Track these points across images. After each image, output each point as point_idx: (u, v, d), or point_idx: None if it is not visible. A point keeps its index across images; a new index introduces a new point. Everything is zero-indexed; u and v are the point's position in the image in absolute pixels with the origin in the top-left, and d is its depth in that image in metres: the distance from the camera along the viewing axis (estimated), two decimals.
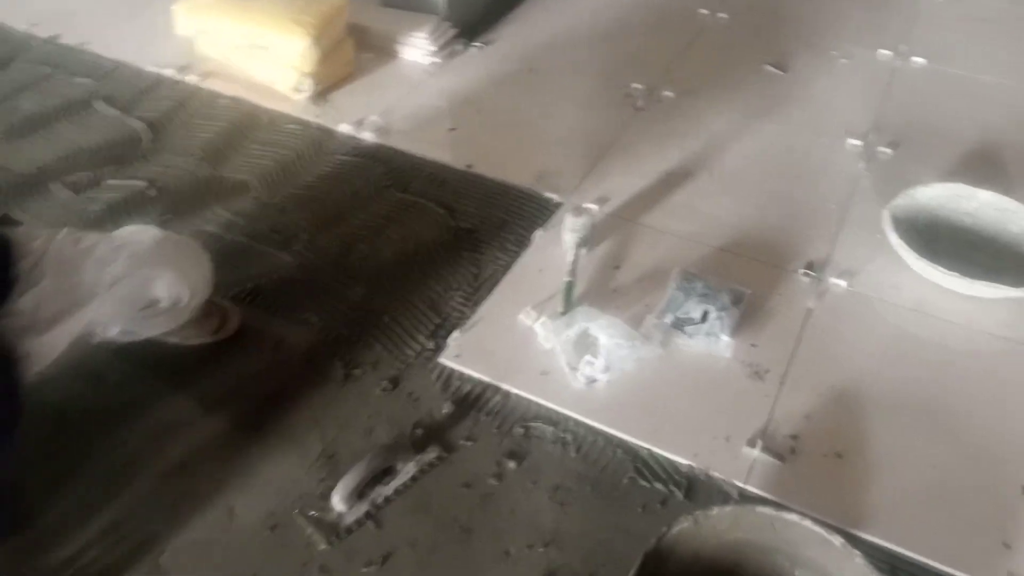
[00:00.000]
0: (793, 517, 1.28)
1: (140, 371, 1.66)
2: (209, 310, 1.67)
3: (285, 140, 2.32)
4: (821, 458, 1.53)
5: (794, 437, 1.56)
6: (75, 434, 1.55)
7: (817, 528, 1.26)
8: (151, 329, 1.55)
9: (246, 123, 2.39)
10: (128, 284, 1.42)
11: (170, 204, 2.10)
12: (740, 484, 1.48)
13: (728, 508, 1.30)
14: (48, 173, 2.19)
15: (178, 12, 2.55)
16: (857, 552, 1.23)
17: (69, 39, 2.75)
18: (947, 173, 2.23)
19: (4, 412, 1.26)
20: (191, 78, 2.56)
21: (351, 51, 2.59)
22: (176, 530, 1.42)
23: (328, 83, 2.51)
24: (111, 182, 2.16)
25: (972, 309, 1.83)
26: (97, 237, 1.43)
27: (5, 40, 2.72)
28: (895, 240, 1.86)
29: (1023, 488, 1.48)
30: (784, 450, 1.53)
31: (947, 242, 1.99)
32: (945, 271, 1.78)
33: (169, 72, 2.58)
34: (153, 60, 2.63)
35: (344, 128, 2.36)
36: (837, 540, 1.24)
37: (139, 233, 1.50)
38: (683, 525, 1.27)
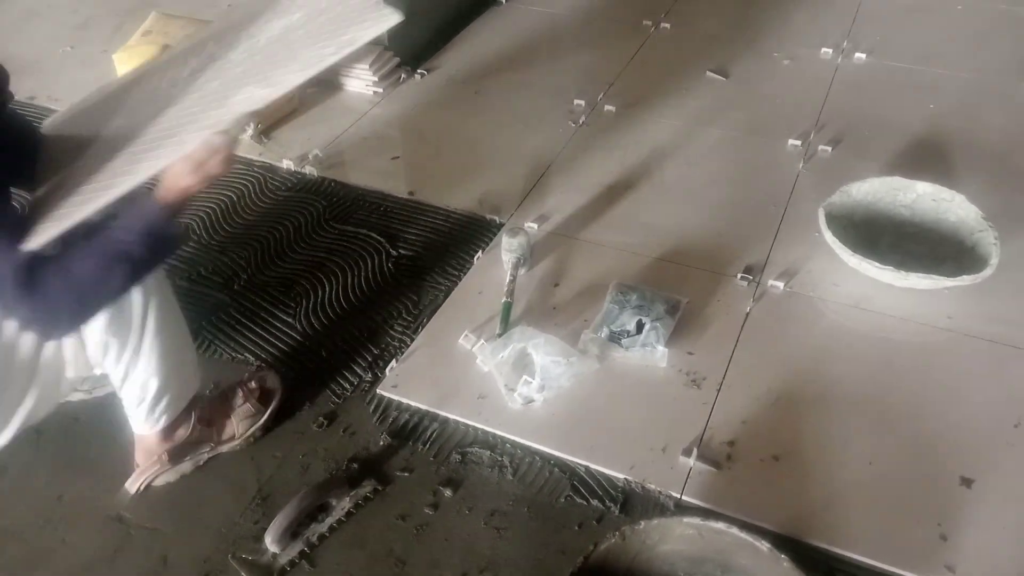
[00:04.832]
0: (720, 525, 1.27)
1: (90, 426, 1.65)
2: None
3: (228, 181, 2.30)
4: (758, 462, 1.52)
5: (731, 443, 1.55)
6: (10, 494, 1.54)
7: (744, 535, 1.25)
8: None
9: None
10: None
11: None
12: (676, 495, 1.47)
13: (655, 521, 1.29)
14: None
15: (118, 60, 2.57)
16: (784, 556, 1.22)
17: (19, 95, 2.75)
18: (888, 166, 2.24)
19: None
20: None
21: None
22: None
23: (271, 120, 2.52)
24: None
25: (912, 302, 1.82)
26: None
27: None
28: (829, 237, 1.85)
29: (961, 479, 1.47)
30: (720, 457, 1.52)
31: (888, 236, 1.99)
32: (879, 265, 1.78)
33: None
34: None
35: (287, 164, 2.36)
36: (764, 545, 1.23)
37: None
38: (611, 541, 1.26)
